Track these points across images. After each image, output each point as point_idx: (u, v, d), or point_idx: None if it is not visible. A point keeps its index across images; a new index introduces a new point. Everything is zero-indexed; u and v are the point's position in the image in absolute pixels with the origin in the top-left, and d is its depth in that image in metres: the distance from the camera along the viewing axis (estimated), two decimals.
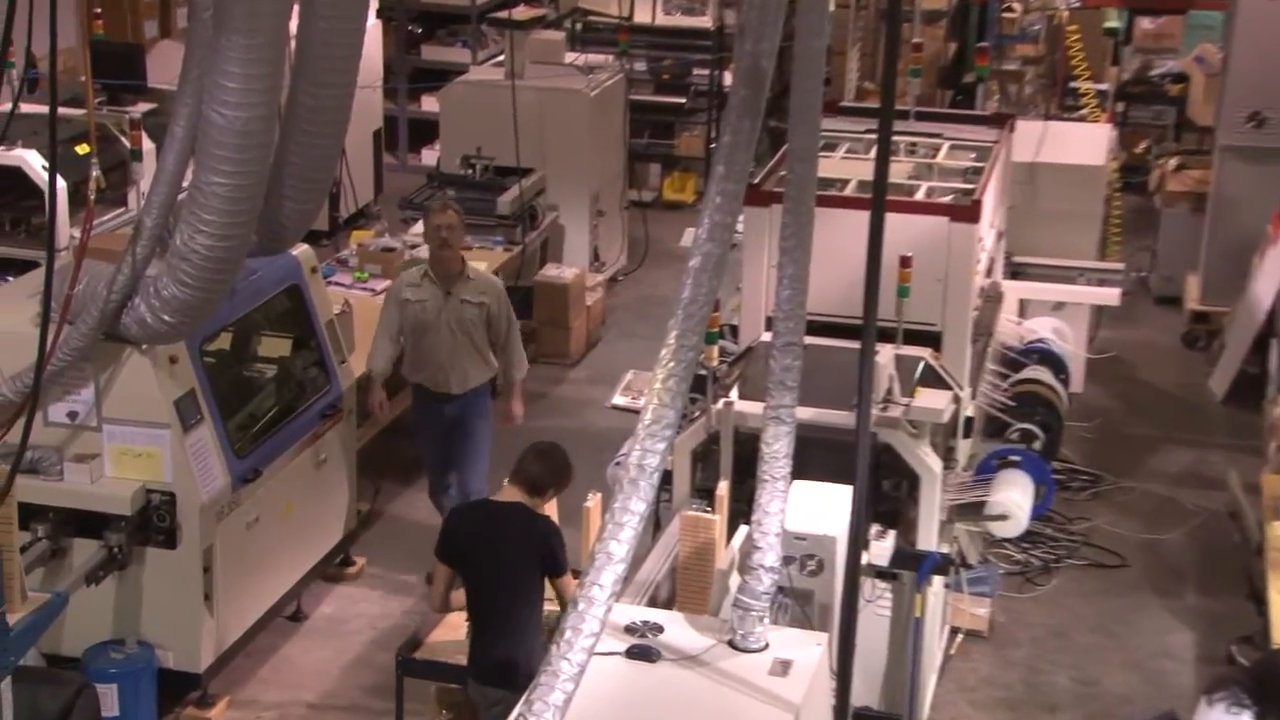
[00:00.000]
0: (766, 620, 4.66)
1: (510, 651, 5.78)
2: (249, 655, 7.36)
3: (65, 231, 9.00)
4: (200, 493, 6.74)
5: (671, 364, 4.13)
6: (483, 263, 8.98)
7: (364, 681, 7.41)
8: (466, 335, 7.70)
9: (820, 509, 5.52)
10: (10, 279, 8.75)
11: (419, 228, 10.35)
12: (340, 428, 7.92)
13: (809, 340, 4.84)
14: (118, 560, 6.72)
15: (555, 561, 5.80)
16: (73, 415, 6.75)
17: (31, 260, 9.21)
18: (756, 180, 7.34)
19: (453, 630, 6.26)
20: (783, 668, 4.51)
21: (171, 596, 6.79)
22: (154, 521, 6.72)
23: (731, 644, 4.61)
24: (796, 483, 5.17)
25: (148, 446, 6.69)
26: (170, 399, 6.70)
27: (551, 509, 6.03)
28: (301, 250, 7.76)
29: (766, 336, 6.68)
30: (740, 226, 7.09)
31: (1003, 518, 6.59)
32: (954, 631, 7.64)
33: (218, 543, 6.85)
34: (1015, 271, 9.01)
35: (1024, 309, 8.96)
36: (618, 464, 6.97)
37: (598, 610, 3.89)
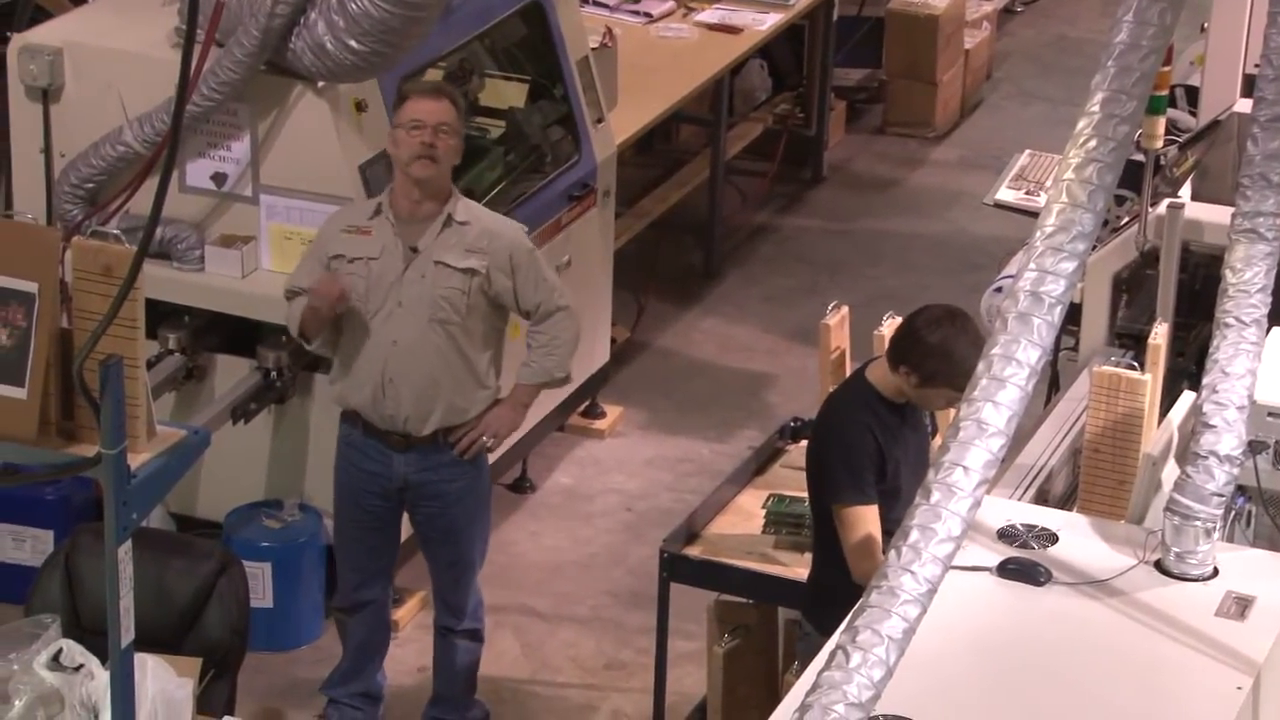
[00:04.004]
0: (1217, 535, 4.60)
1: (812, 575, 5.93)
2: None
3: None
4: None
5: (1092, 143, 4.05)
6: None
7: (613, 583, 7.63)
8: (440, 325, 6.26)
9: None
10: None
11: None
12: (593, 216, 8.04)
13: None
14: (276, 389, 7.02)
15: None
16: (219, 179, 7.02)
17: None
18: None
19: (745, 520, 6.37)
20: (1239, 607, 4.46)
21: None
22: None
23: (1160, 566, 4.58)
24: (1277, 330, 5.04)
25: None
26: (355, 162, 6.90)
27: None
28: None
29: (1244, 105, 6.47)
30: None
31: None
32: None
33: None
34: None
35: None
36: (998, 290, 6.90)
37: (960, 504, 3.89)
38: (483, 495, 6.54)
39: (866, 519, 5.58)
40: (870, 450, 5.60)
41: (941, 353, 5.54)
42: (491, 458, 6.61)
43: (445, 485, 6.40)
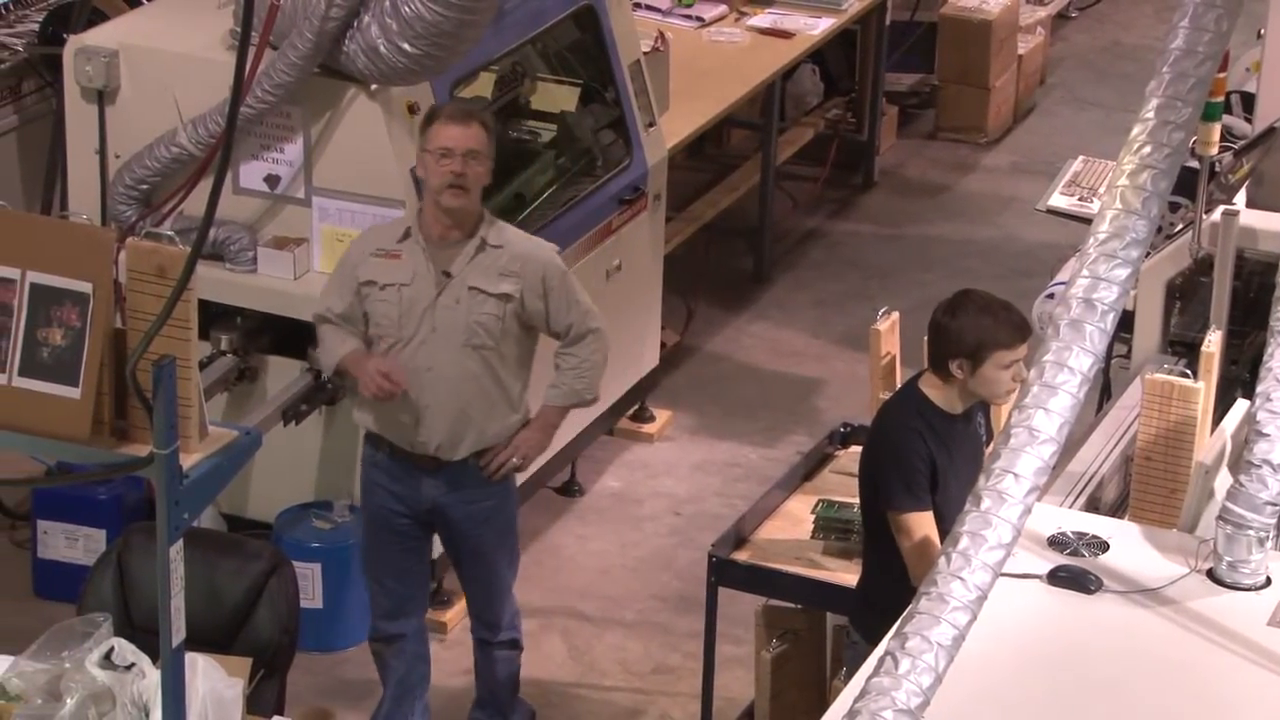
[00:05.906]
0: (1270, 544, 4.58)
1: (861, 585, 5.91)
2: None
3: None
4: None
5: (1146, 149, 4.04)
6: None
7: (661, 588, 7.62)
8: (475, 351, 6.18)
9: None
10: None
11: None
12: (644, 220, 8.04)
13: None
14: (327, 390, 7.04)
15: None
16: (272, 181, 7.03)
17: None
18: None
19: (794, 525, 6.36)
20: None
21: None
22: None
23: (1212, 575, 4.56)
24: None
25: None
26: (407, 165, 6.91)
27: None
28: None
29: None
30: None
31: None
32: None
33: None
34: None
35: None
36: (1050, 297, 6.88)
37: (1011, 511, 3.88)
38: (510, 516, 6.47)
39: (923, 523, 5.57)
40: (922, 455, 5.59)
41: (971, 325, 5.54)
42: (521, 477, 6.55)
43: (473, 506, 6.33)
